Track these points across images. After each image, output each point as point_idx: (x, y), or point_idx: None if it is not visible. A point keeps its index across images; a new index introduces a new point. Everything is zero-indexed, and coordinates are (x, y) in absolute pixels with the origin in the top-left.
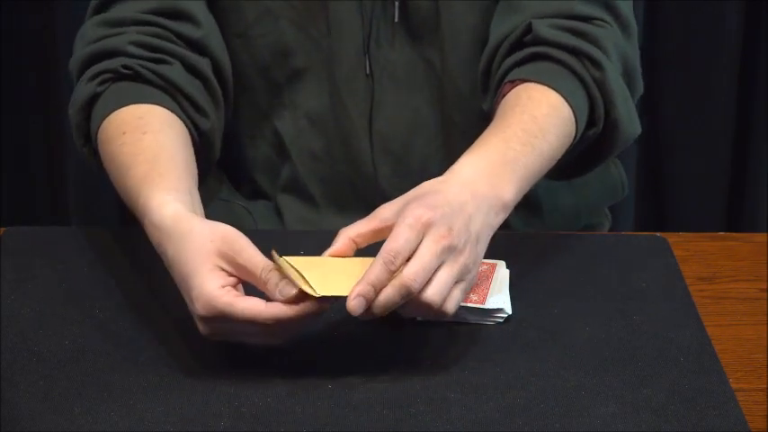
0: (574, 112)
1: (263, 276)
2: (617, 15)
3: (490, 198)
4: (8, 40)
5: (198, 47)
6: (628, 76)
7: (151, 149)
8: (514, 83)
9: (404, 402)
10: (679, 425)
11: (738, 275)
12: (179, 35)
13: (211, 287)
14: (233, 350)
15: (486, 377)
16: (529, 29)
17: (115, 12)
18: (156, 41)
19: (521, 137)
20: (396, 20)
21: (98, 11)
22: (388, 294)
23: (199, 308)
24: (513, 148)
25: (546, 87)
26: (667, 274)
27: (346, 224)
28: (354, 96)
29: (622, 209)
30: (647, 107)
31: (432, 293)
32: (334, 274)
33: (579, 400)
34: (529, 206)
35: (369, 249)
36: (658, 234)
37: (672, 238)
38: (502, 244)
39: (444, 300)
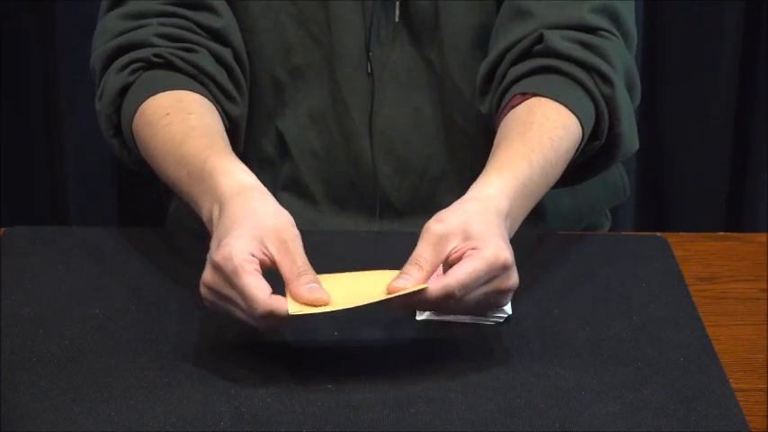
0: (583, 130)
1: (298, 269)
2: (620, 25)
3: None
4: (8, 40)
5: (219, 37)
6: (630, 88)
7: (202, 127)
8: (526, 95)
9: (404, 402)
10: (679, 425)
11: (738, 275)
12: (201, 25)
13: (242, 247)
14: (233, 350)
15: (486, 377)
16: (540, 39)
17: (134, 5)
18: (179, 32)
19: (542, 164)
20: (396, 20)
21: (115, 5)
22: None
23: (218, 254)
24: (533, 181)
25: (560, 105)
26: (667, 274)
27: (346, 223)
28: (355, 95)
29: (622, 209)
30: (647, 108)
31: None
32: (347, 287)
33: (579, 400)
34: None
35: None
36: (658, 234)
37: (672, 239)
38: None
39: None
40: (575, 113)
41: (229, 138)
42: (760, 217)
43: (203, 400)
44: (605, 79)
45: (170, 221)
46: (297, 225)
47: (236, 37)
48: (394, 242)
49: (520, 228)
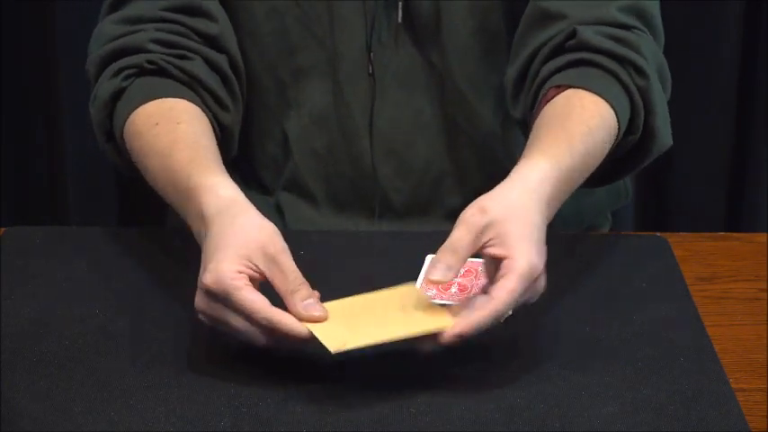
0: (618, 122)
1: (291, 285)
2: (650, 25)
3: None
4: (8, 40)
5: (215, 43)
6: (662, 82)
7: (189, 138)
8: (560, 88)
9: (404, 402)
10: (679, 425)
11: (738, 275)
12: (197, 32)
13: (229, 266)
14: (233, 350)
15: (486, 377)
16: (572, 34)
17: (132, 9)
18: (175, 38)
19: (582, 153)
20: (399, 21)
21: (113, 9)
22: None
23: (208, 278)
24: (575, 169)
25: (596, 96)
26: (667, 274)
27: (346, 224)
28: (356, 96)
29: (622, 209)
30: None
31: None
32: (363, 318)
33: (579, 400)
34: None
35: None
36: (658, 234)
37: (672, 238)
38: None
39: None
40: (611, 105)
41: (221, 145)
42: (760, 217)
43: (203, 400)
44: (639, 72)
45: (170, 221)
46: (297, 224)
47: (232, 43)
48: (394, 242)
49: None
